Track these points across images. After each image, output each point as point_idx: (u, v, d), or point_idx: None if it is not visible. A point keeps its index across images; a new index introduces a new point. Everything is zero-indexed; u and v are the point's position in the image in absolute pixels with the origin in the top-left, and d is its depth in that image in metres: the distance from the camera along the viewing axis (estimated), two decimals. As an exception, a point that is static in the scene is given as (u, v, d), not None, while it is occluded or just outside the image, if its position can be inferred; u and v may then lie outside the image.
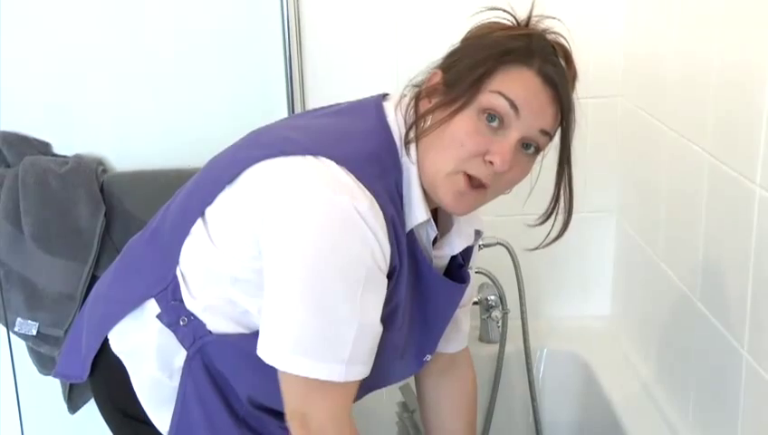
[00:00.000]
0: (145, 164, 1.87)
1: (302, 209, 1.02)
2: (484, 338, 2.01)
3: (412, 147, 1.10)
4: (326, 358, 1.04)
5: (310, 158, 1.06)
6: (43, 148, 1.87)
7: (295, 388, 1.07)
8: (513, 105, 1.05)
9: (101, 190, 1.81)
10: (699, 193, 1.49)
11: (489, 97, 1.05)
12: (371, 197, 1.04)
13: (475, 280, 1.90)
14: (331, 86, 1.87)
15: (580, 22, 1.85)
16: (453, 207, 1.11)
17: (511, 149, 1.06)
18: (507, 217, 1.80)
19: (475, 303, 1.95)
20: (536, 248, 1.17)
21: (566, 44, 1.11)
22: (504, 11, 1.12)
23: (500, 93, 1.05)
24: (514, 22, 1.11)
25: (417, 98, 1.13)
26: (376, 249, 1.03)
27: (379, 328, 1.08)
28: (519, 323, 1.93)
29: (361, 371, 1.07)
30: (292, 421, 1.08)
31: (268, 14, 1.82)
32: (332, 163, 1.05)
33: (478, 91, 1.06)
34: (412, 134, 1.10)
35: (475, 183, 1.08)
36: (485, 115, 1.06)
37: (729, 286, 1.39)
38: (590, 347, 1.96)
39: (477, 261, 1.83)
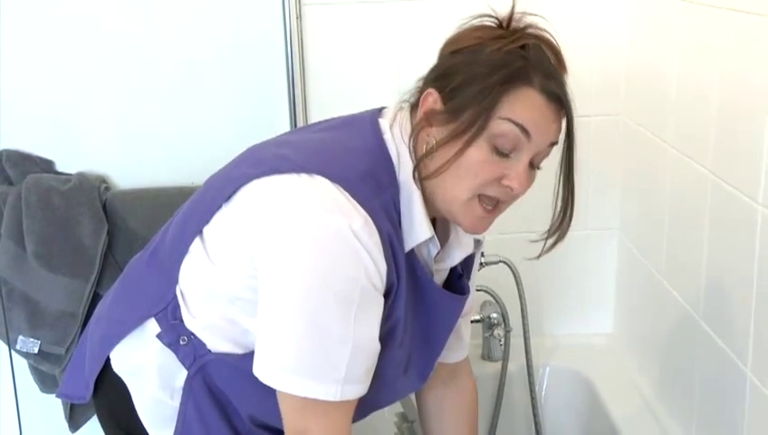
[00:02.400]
0: (148, 182, 1.88)
1: (296, 229, 1.02)
2: (486, 356, 2.01)
3: (416, 173, 1.10)
4: (321, 378, 1.03)
5: (304, 176, 1.06)
6: (45, 166, 1.87)
7: (293, 407, 1.06)
8: (523, 130, 1.05)
9: (104, 208, 1.81)
10: (701, 211, 1.49)
11: (499, 124, 1.05)
12: (366, 214, 1.03)
13: (477, 297, 1.91)
14: (333, 104, 1.87)
15: (583, 41, 1.87)
16: (472, 230, 1.13)
17: (525, 171, 1.08)
18: (510, 235, 1.80)
19: (478, 320, 1.95)
20: (539, 256, 1.17)
21: (552, 39, 1.10)
22: (490, 16, 1.11)
23: (509, 120, 1.05)
24: (497, 23, 1.10)
25: (416, 121, 1.12)
26: (370, 268, 1.03)
27: (376, 347, 1.08)
28: (521, 340, 1.93)
29: (358, 390, 1.07)
30: None
31: (271, 32, 1.83)
32: (326, 181, 1.05)
33: (487, 121, 1.05)
34: (424, 172, 1.09)
35: (492, 202, 1.10)
36: (496, 142, 1.06)
37: (732, 305, 1.39)
38: (593, 365, 1.96)
39: (480, 279, 1.83)
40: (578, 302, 2.06)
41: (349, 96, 1.89)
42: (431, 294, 1.17)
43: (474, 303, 1.39)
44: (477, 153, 1.06)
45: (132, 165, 1.89)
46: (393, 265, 1.08)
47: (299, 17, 1.83)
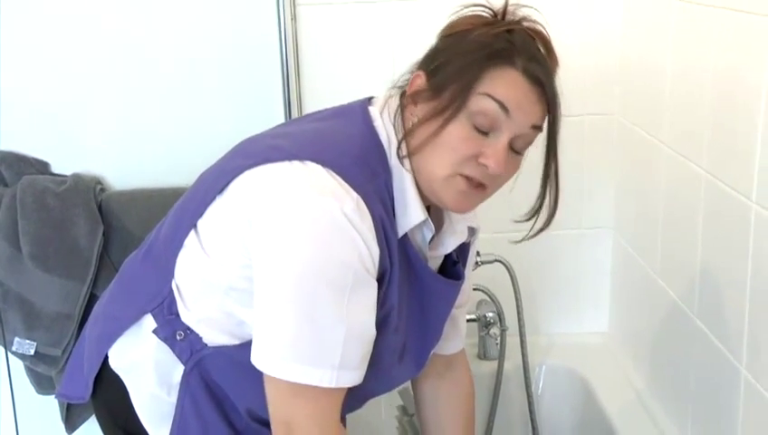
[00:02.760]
0: (143, 183, 1.88)
1: (287, 214, 1.03)
2: (482, 355, 2.01)
3: (399, 151, 1.11)
4: (317, 363, 1.04)
5: (296, 162, 1.06)
6: (41, 167, 1.87)
7: (282, 394, 1.07)
8: (502, 106, 1.05)
9: (100, 209, 1.81)
10: (696, 209, 1.49)
11: (478, 100, 1.05)
12: (357, 197, 1.04)
13: (473, 296, 1.91)
14: (328, 104, 1.83)
15: (577, 40, 1.87)
16: (456, 207, 1.12)
17: (504, 150, 1.07)
18: (505, 235, 1.80)
19: (474, 320, 1.95)
20: (522, 240, 1.17)
21: (544, 32, 1.11)
22: (482, 6, 1.12)
23: (489, 95, 1.05)
24: (492, 14, 1.11)
25: (403, 102, 1.13)
26: (363, 251, 1.04)
27: (371, 332, 1.08)
28: (517, 339, 1.93)
29: (353, 377, 1.07)
30: (278, 425, 1.08)
31: (266, 33, 1.83)
32: (318, 166, 1.05)
33: (467, 97, 1.06)
34: (405, 149, 1.10)
35: (474, 183, 1.09)
36: (476, 119, 1.06)
37: (726, 303, 1.39)
38: (589, 363, 1.96)
39: (476, 278, 1.83)
40: (573, 300, 2.06)
41: (343, 96, 1.86)
42: (426, 280, 1.17)
43: (470, 295, 1.40)
44: (457, 129, 1.06)
45: (127, 166, 1.89)
46: (386, 250, 1.08)
47: (293, 18, 1.83)
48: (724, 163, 1.38)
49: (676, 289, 1.63)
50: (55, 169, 1.89)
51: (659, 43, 1.66)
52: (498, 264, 1.87)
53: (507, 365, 1.95)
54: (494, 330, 1.94)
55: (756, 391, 1.29)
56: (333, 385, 1.05)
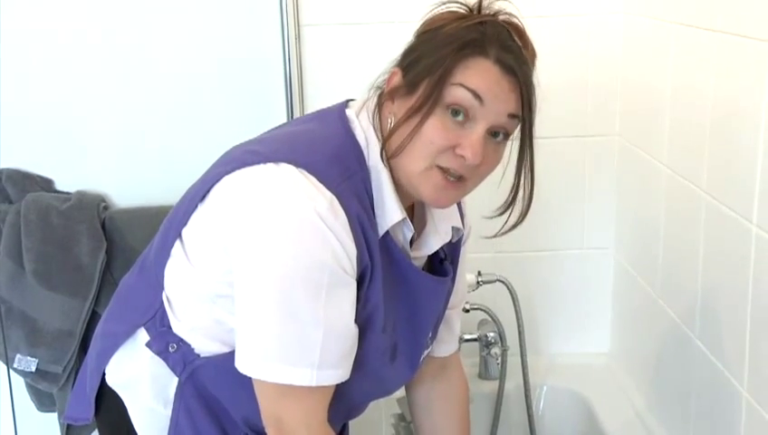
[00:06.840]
0: (147, 200, 1.89)
1: (261, 216, 1.04)
2: (483, 375, 2.01)
3: (383, 153, 1.11)
4: (296, 363, 1.04)
5: (270, 165, 1.07)
6: (45, 184, 1.88)
7: (268, 394, 1.08)
8: (476, 95, 1.05)
9: (103, 227, 1.82)
10: (696, 231, 1.50)
11: (451, 90, 1.06)
12: (331, 196, 1.04)
13: (474, 316, 1.91)
14: None
15: (579, 62, 1.88)
16: (434, 201, 1.12)
17: (480, 140, 1.06)
18: (506, 254, 1.81)
19: (475, 339, 1.95)
20: (495, 236, 1.16)
21: (520, 24, 1.11)
22: (457, 2, 1.12)
23: (461, 85, 1.05)
24: (467, 9, 1.11)
25: (381, 101, 1.14)
26: (338, 250, 1.04)
27: (352, 330, 1.08)
28: (518, 359, 1.93)
29: (334, 375, 1.07)
30: (268, 427, 1.09)
31: (270, 53, 1.85)
32: (291, 167, 1.06)
33: (442, 89, 1.06)
34: (389, 151, 1.10)
35: (454, 174, 1.08)
36: (450, 110, 1.06)
37: (727, 324, 1.39)
38: (590, 384, 1.96)
39: (477, 298, 1.84)
40: (574, 321, 2.06)
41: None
42: (412, 279, 1.17)
43: (464, 296, 1.39)
44: (434, 122, 1.06)
45: (131, 184, 1.90)
46: (365, 248, 1.08)
47: (297, 38, 1.85)
48: (725, 185, 1.39)
49: (676, 310, 1.63)
50: (59, 186, 1.90)
51: (659, 65, 1.67)
52: (499, 284, 1.88)
53: (508, 385, 1.95)
54: (496, 350, 1.94)
55: (757, 414, 1.29)
56: (314, 384, 1.05)
